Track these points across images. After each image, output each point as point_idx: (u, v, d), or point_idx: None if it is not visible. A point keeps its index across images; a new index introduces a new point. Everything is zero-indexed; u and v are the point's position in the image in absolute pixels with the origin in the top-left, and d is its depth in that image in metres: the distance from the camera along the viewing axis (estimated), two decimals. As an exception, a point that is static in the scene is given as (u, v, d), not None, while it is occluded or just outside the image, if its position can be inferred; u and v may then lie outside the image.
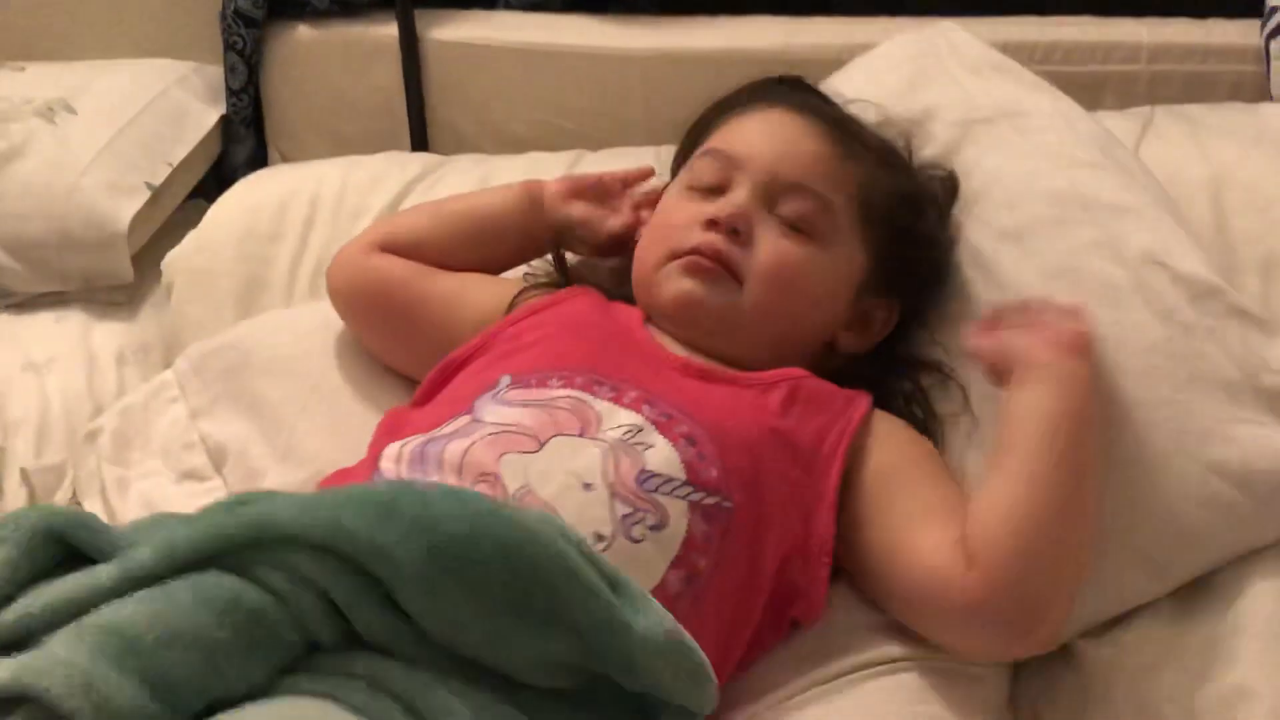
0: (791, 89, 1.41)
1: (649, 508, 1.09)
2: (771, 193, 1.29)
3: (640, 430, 1.14)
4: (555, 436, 1.13)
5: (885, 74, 1.52)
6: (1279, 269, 1.37)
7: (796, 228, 1.28)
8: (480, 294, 1.39)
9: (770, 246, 1.27)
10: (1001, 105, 1.42)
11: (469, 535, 0.93)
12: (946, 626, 1.15)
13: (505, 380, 1.20)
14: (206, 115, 1.93)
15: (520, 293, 1.37)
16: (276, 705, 0.89)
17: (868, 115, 1.41)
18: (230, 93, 1.93)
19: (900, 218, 1.33)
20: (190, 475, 1.37)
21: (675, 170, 1.41)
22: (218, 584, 0.90)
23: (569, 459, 1.11)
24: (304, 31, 1.93)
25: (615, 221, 1.42)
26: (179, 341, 1.57)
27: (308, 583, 0.92)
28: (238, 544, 0.92)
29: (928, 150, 1.41)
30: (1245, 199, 1.42)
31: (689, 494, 1.11)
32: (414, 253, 1.42)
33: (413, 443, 1.16)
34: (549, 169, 1.63)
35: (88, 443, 1.43)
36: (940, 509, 1.18)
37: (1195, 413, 1.20)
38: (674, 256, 1.28)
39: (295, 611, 0.92)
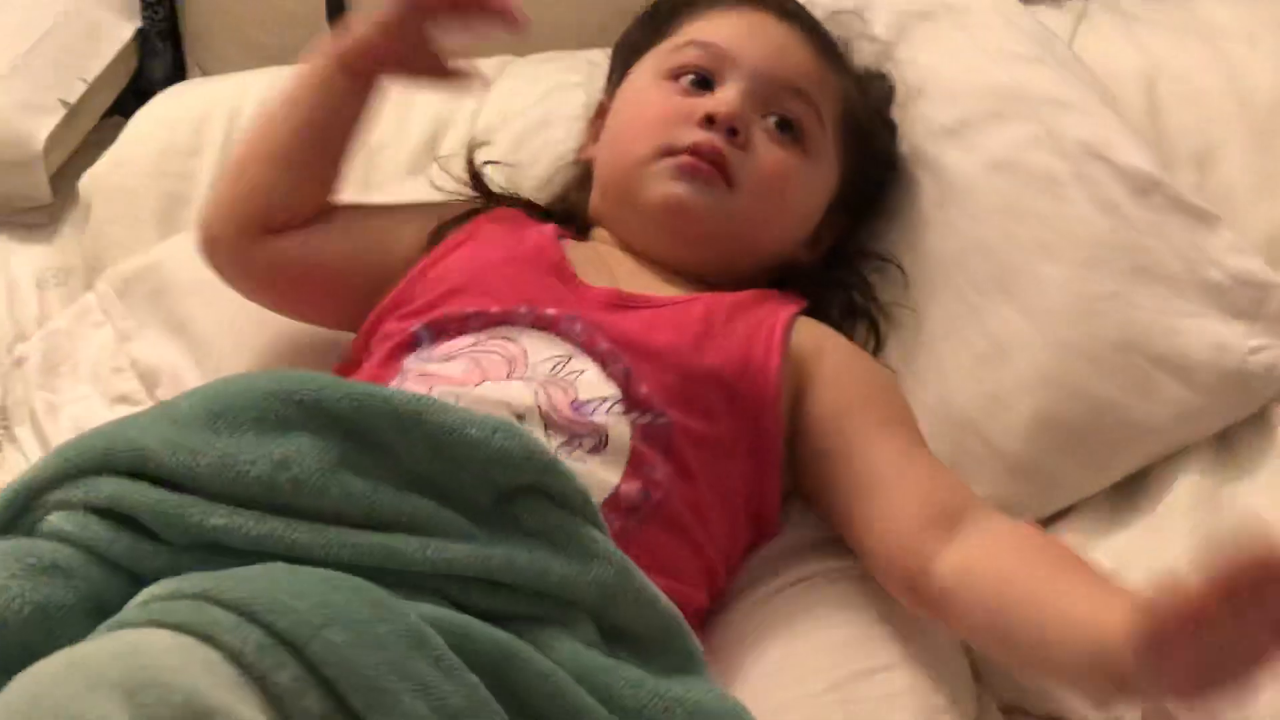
0: None
1: (585, 430, 1.05)
2: (765, 94, 1.22)
3: (569, 359, 1.09)
4: (484, 382, 1.07)
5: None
6: (1213, 161, 1.36)
7: (788, 135, 1.23)
8: (399, 240, 1.26)
9: (768, 153, 1.21)
10: None
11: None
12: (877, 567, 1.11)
13: (424, 335, 1.14)
14: (121, 29, 1.83)
15: (438, 227, 1.27)
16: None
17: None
18: (145, 5, 1.84)
19: (875, 138, 1.30)
20: (123, 399, 1.33)
21: (625, 61, 1.33)
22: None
23: (498, 399, 1.05)
24: (219, -62, 1.86)
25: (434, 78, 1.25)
26: (100, 262, 1.51)
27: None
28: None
29: (865, 43, 1.37)
30: (1178, 92, 1.41)
31: (624, 411, 1.07)
32: (290, 213, 1.25)
33: None
34: (475, 76, 1.59)
35: (15, 369, 1.39)
36: (907, 470, 1.11)
37: (1139, 305, 1.19)
38: (665, 154, 1.20)
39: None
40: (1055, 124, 1.27)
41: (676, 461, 1.07)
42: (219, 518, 0.86)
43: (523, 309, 1.12)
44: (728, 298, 1.19)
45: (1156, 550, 1.15)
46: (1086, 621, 0.90)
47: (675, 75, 1.25)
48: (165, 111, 1.62)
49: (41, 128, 1.67)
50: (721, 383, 1.12)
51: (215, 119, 1.57)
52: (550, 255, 1.21)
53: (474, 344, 1.11)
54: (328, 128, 1.26)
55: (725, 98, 1.21)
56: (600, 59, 1.49)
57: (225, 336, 1.34)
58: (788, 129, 1.23)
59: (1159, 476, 1.21)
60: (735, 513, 1.12)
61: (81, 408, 1.33)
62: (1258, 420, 1.21)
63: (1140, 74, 1.42)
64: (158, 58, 1.88)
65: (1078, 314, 1.20)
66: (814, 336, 1.19)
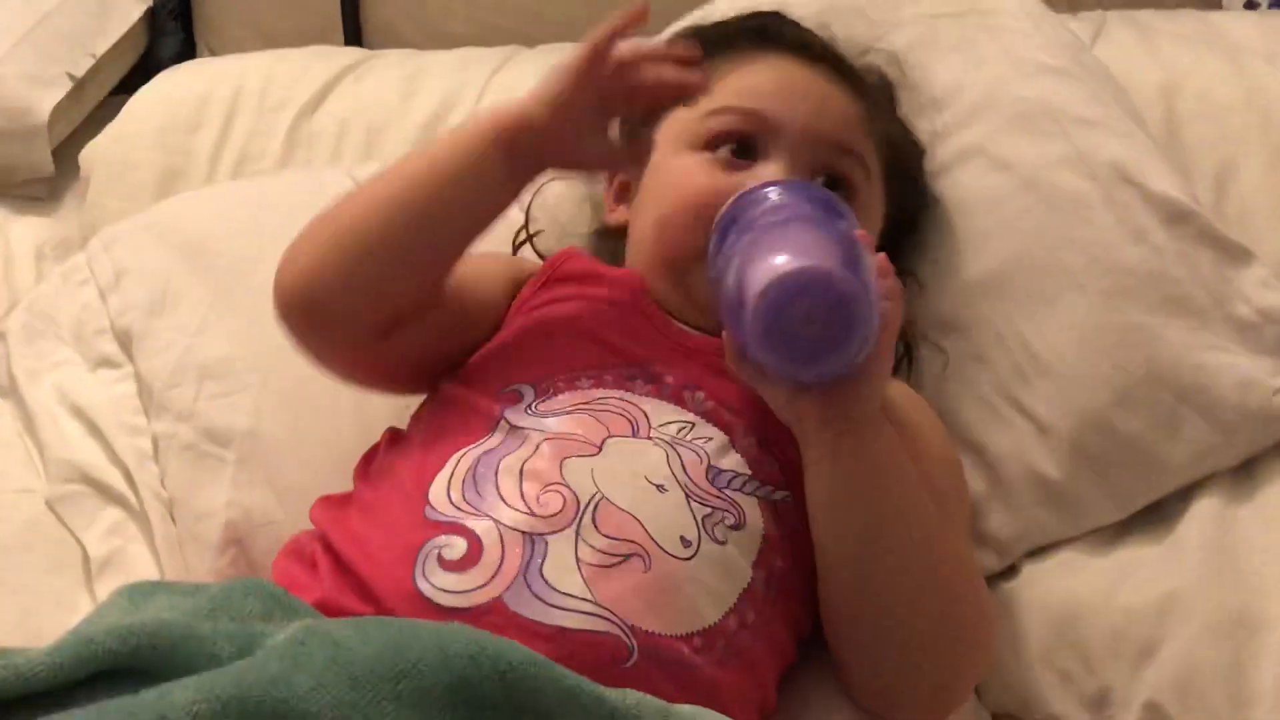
0: (785, 27, 1.19)
1: (726, 505, 0.94)
2: (811, 158, 1.07)
3: (693, 426, 0.98)
4: (609, 438, 0.96)
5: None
6: (1232, 179, 1.28)
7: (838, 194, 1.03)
8: (495, 307, 1.09)
9: None
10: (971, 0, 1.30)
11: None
12: None
13: (528, 391, 0.99)
14: (132, 7, 1.76)
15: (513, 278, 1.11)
16: None
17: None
18: None
19: (915, 170, 1.19)
20: (104, 362, 1.23)
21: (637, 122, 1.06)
22: None
23: (633, 460, 0.95)
24: (234, -79, 1.77)
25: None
26: (95, 234, 1.44)
27: None
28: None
29: (889, 41, 1.27)
30: (1198, 107, 1.32)
31: (756, 489, 0.96)
32: (408, 313, 1.02)
33: (460, 466, 0.95)
34: (481, 64, 1.52)
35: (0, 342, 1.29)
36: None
37: (1166, 339, 1.12)
38: None
39: None
40: (1084, 144, 1.18)
41: (799, 541, 0.96)
42: None
43: (636, 371, 1.00)
44: None
45: (1162, 565, 1.10)
46: None
47: (713, 144, 1.08)
48: (167, 89, 1.54)
49: (46, 100, 1.62)
50: None
51: (217, 97, 1.49)
52: (647, 310, 1.06)
53: (588, 400, 0.99)
54: (473, 218, 1.01)
55: (772, 175, 1.04)
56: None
57: (212, 293, 1.22)
58: (836, 188, 1.07)
59: (1165, 500, 1.14)
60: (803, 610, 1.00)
61: (64, 374, 1.24)
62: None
63: (1160, 87, 1.33)
64: (168, 37, 1.81)
65: (1105, 345, 1.13)
66: (897, 396, 1.06)
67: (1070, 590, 1.11)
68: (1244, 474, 1.14)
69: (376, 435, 1.08)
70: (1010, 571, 1.15)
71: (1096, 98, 1.23)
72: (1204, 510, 1.12)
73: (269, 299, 1.06)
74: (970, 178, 1.21)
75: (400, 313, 1.00)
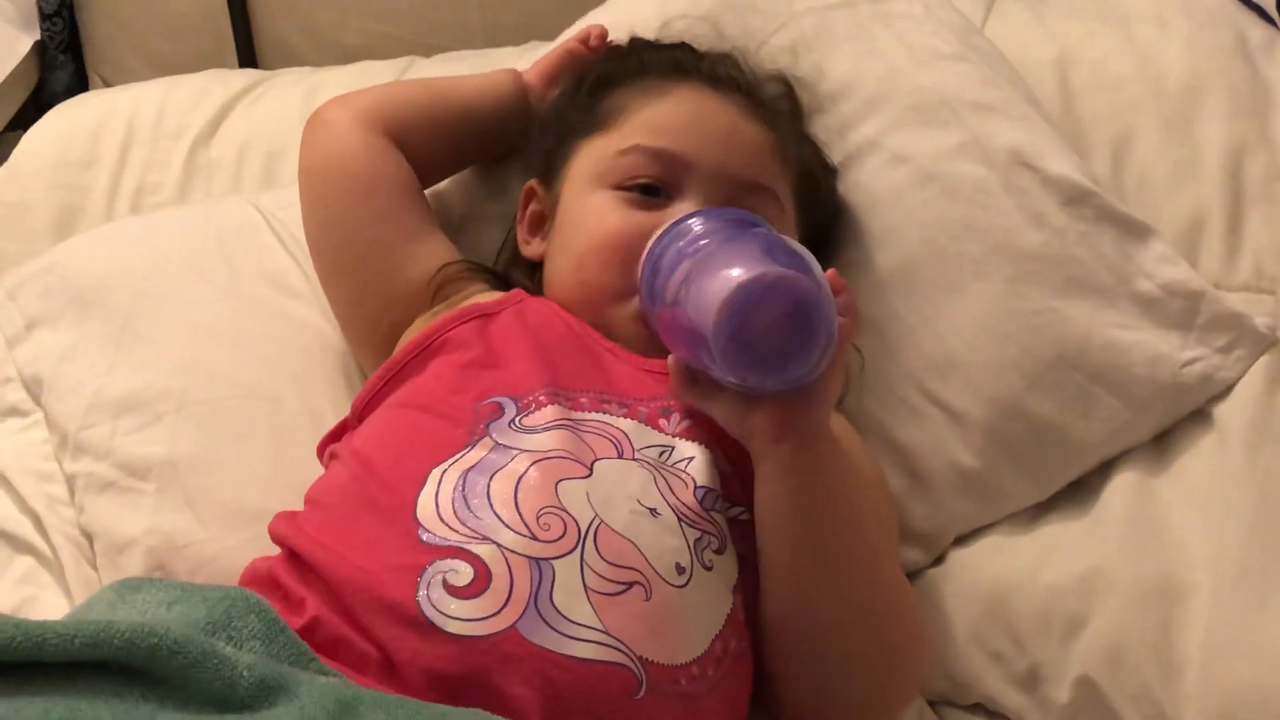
0: (696, 59, 1.18)
1: (711, 529, 0.92)
2: (724, 197, 1.06)
3: (673, 449, 0.96)
4: (597, 460, 0.93)
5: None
6: (1127, 148, 1.27)
7: None
8: (429, 251, 1.15)
9: None
10: None
11: None
12: None
13: (509, 405, 0.97)
14: (19, 42, 1.73)
15: (441, 269, 1.13)
16: None
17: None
18: (43, 17, 1.73)
19: (828, 191, 1.18)
20: (12, 412, 1.20)
21: (561, 141, 1.16)
22: None
23: (623, 483, 0.92)
24: (119, -53, 1.72)
25: None
26: None
27: None
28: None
29: (783, 35, 1.27)
30: (1092, 79, 1.31)
31: (728, 509, 0.94)
32: (410, 142, 1.20)
33: (445, 483, 0.92)
34: (379, 78, 1.46)
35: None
36: None
37: (1073, 320, 1.12)
38: (635, 291, 1.03)
39: None
40: (981, 131, 1.18)
41: (756, 563, 0.94)
42: None
43: (609, 396, 0.99)
44: None
45: (1085, 540, 1.10)
46: None
47: (625, 183, 1.09)
48: (60, 125, 1.49)
49: (-64, 142, 1.59)
50: None
51: (111, 130, 1.45)
52: (606, 343, 1.06)
53: (570, 419, 0.96)
54: (477, 119, 1.26)
55: (686, 211, 1.04)
56: (508, 58, 1.42)
57: (119, 332, 1.20)
58: None
59: (1084, 477, 1.15)
60: None
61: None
62: (1195, 414, 1.14)
63: (1053, 61, 1.32)
64: (59, 70, 1.77)
65: (1013, 331, 1.13)
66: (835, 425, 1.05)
67: (996, 571, 1.11)
68: (1159, 446, 1.13)
69: (292, 451, 1.08)
70: (937, 557, 1.14)
71: (990, 82, 1.22)
72: (1123, 484, 1.12)
73: (177, 325, 1.15)
74: (871, 173, 1.20)
75: (410, 152, 1.19)
